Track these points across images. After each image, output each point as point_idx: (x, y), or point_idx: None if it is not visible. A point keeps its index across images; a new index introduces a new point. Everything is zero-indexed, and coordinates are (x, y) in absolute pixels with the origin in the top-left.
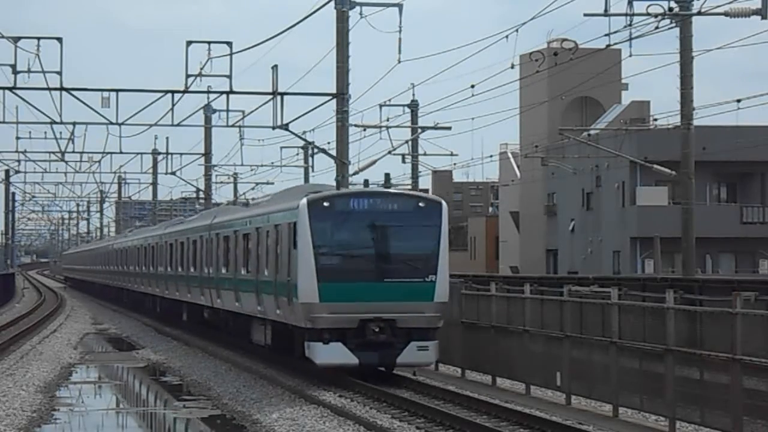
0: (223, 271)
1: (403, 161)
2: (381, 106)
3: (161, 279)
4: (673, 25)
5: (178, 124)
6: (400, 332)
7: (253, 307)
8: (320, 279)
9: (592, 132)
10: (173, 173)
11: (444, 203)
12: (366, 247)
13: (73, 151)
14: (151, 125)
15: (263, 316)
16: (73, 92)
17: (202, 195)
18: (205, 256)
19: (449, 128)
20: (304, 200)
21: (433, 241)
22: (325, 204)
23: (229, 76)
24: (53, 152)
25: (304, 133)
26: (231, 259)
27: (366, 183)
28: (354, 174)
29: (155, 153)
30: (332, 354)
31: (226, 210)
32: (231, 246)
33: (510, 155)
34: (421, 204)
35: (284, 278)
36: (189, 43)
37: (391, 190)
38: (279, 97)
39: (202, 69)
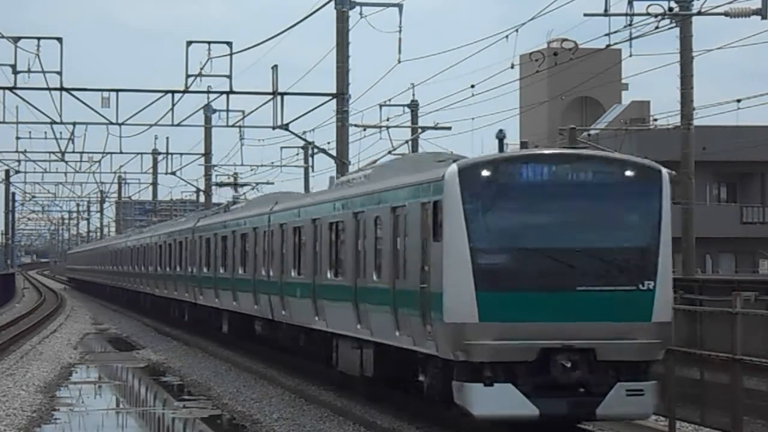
0: (293, 273)
1: None
2: (381, 106)
3: (193, 282)
4: (673, 25)
5: (178, 124)
6: (602, 368)
7: (349, 324)
8: (480, 287)
9: (592, 132)
10: (173, 173)
11: (665, 172)
12: (549, 239)
13: (73, 151)
14: (151, 125)
15: (365, 337)
16: (73, 92)
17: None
18: (261, 254)
19: (449, 128)
20: (454, 168)
21: (649, 229)
22: (485, 173)
23: (229, 76)
24: (53, 152)
25: (304, 133)
26: (306, 258)
27: (572, 133)
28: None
29: (155, 153)
30: (498, 401)
31: (290, 196)
32: (306, 240)
33: None
34: (629, 172)
35: (413, 285)
36: (189, 43)
37: (585, 151)
38: (279, 97)
39: (202, 69)
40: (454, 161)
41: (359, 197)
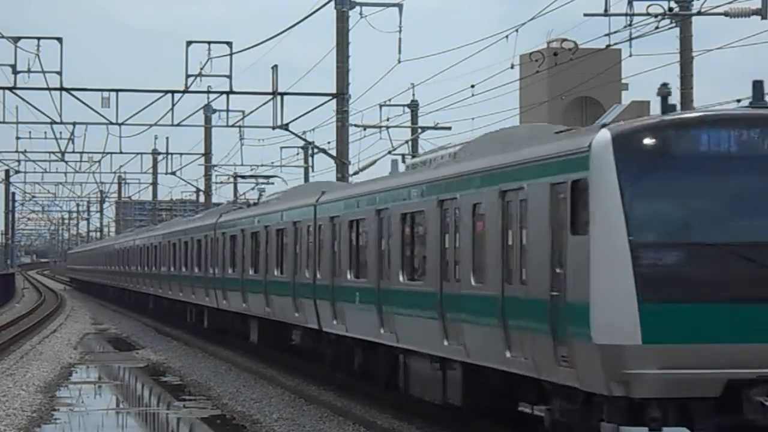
0: (349, 275)
1: (403, 161)
2: (381, 106)
3: (214, 284)
4: (673, 25)
5: (178, 124)
6: None
7: (430, 340)
8: (645, 296)
9: None
10: (173, 173)
11: None
12: (738, 230)
13: (73, 151)
14: (151, 125)
15: (456, 358)
16: (73, 92)
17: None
18: (304, 253)
19: (449, 128)
20: (605, 134)
21: None
22: (649, 142)
23: (229, 76)
24: (53, 152)
25: (304, 133)
26: (369, 257)
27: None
28: (354, 174)
29: (155, 153)
30: None
31: (335, 185)
32: (369, 235)
33: None
34: None
35: (537, 292)
36: (189, 43)
37: None
38: (279, 97)
39: (202, 69)
40: (604, 126)
41: (447, 180)
